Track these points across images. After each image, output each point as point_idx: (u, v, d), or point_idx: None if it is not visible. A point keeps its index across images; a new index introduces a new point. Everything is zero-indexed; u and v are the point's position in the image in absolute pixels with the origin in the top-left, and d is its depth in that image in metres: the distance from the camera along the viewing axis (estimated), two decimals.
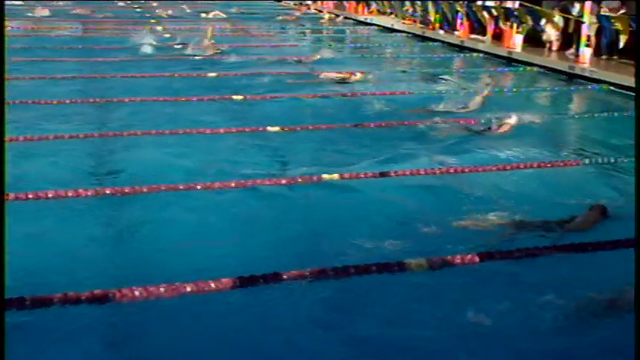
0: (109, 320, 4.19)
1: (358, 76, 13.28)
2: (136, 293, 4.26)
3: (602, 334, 4.20)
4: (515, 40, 16.88)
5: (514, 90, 12.90)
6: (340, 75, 13.29)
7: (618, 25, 14.36)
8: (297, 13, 31.10)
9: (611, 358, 4.02)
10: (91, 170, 7.10)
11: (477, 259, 4.93)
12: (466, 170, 7.27)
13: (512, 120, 9.13)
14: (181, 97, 10.81)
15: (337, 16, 28.51)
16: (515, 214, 5.95)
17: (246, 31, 22.25)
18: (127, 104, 10.38)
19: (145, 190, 6.29)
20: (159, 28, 21.59)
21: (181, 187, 6.40)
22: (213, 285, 4.37)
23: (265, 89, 11.85)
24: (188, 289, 4.34)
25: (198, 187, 6.43)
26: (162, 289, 4.29)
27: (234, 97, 10.97)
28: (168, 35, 19.39)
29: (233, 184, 6.54)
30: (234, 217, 5.95)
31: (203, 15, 26.47)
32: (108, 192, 6.25)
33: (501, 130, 9.00)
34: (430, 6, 22.44)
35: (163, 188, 6.34)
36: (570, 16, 16.16)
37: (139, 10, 29.05)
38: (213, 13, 26.92)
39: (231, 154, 7.88)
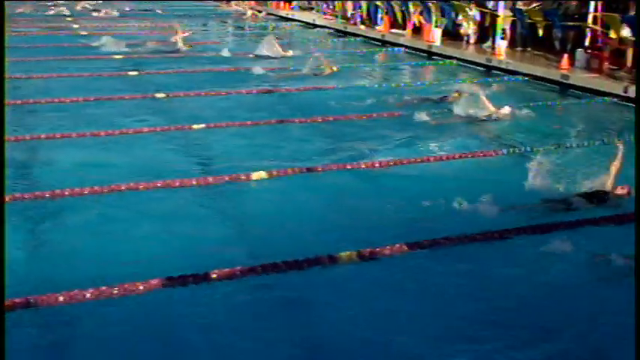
0: (33, 328, 4.06)
1: (335, 68, 13.54)
2: (61, 299, 4.15)
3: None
4: (435, 34, 17.26)
5: (435, 82, 13.21)
6: (319, 67, 13.55)
7: (533, 18, 14.87)
8: (223, 8, 30.95)
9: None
10: (7, 176, 6.83)
11: (405, 248, 5.03)
12: (391, 163, 7.39)
13: (506, 110, 9.75)
14: (102, 97, 10.54)
15: (259, 12, 28.42)
16: (440, 205, 6.10)
17: (168, 28, 21.84)
18: (44, 106, 10.04)
19: (66, 193, 6.12)
20: (75, 26, 20.97)
21: (105, 190, 6.26)
22: (141, 287, 4.30)
23: (188, 86, 11.68)
24: (115, 291, 4.25)
25: (123, 188, 6.30)
26: (87, 294, 4.19)
27: (157, 95, 10.79)
28: (85, 33, 18.86)
29: (159, 184, 6.44)
30: (160, 217, 5.86)
31: (95, 14, 25.85)
32: (27, 197, 6.04)
33: (501, 116, 9.63)
34: (349, 2, 22.73)
35: (86, 191, 6.18)
36: (486, 10, 16.63)
37: (52, 8, 28.07)
38: (104, 10, 26.31)
39: (157, 154, 7.75)
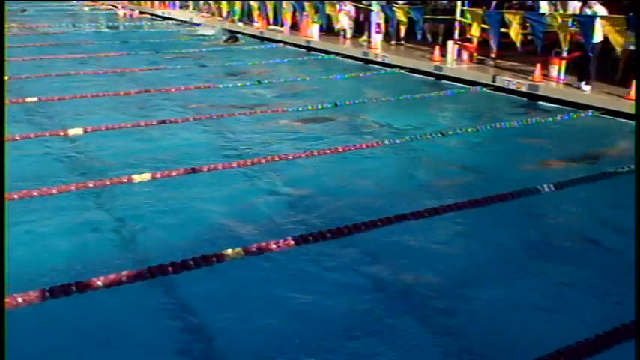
0: None
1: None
2: None
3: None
4: (312, 30, 17.51)
5: (318, 77, 13.40)
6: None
7: (399, 15, 15.40)
8: (86, 9, 30.01)
9: None
10: None
11: (291, 242, 5.10)
12: (276, 159, 7.42)
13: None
14: None
15: (133, 11, 27.73)
16: (326, 197, 6.24)
17: (35, 30, 20.86)
18: None
19: None
20: None
21: None
22: (20, 299, 4.11)
23: (62, 90, 11.20)
24: None
25: None
26: None
27: (28, 99, 10.27)
28: None
29: (35, 193, 6.14)
30: (38, 226, 5.63)
31: None
32: None
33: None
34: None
35: None
36: (361, 6, 17.05)
37: None
38: None
39: (32, 162, 7.38)
